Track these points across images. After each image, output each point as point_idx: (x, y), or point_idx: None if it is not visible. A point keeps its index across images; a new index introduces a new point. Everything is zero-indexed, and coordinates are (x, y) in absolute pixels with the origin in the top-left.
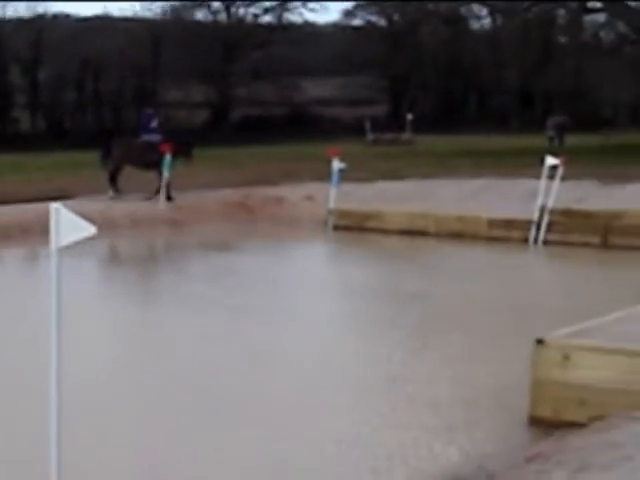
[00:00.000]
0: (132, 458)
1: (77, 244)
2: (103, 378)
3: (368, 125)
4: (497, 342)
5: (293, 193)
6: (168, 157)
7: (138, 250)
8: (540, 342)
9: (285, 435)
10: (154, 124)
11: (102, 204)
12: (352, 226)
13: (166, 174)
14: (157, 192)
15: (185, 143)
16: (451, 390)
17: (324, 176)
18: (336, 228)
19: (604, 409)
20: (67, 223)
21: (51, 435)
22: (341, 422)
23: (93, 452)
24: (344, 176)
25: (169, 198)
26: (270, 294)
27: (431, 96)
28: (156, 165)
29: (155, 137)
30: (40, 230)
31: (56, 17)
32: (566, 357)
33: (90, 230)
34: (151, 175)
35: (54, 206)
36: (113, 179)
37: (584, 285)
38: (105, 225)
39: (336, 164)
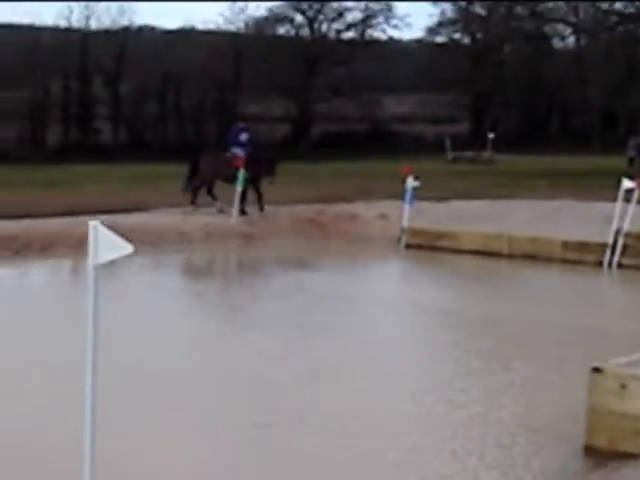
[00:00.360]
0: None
1: (155, 255)
2: (161, 395)
3: (448, 143)
4: (562, 368)
5: (367, 210)
6: (242, 172)
7: (210, 265)
8: (597, 370)
9: (332, 464)
10: (244, 138)
11: (176, 217)
12: (425, 245)
13: (239, 188)
14: (256, 203)
15: (268, 160)
16: (510, 418)
17: (399, 194)
18: (408, 247)
19: None
20: (105, 241)
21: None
22: (396, 446)
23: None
24: (419, 194)
25: (243, 212)
26: (340, 314)
27: (513, 114)
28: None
29: (244, 151)
30: None
31: (141, 29)
32: (623, 386)
33: (127, 249)
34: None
35: (92, 224)
36: (210, 192)
37: None
38: (179, 238)
39: (410, 182)
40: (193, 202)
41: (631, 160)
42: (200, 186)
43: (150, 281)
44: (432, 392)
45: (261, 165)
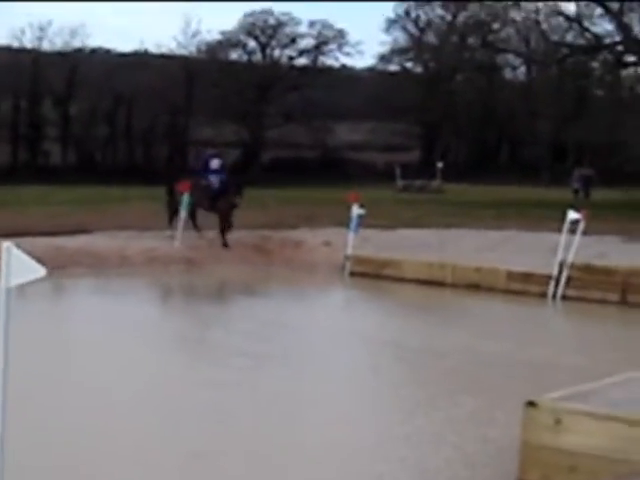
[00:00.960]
0: None
1: (95, 279)
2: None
3: (398, 171)
4: (507, 402)
5: (312, 237)
6: (186, 197)
7: (151, 290)
8: (531, 404)
9: None
10: (215, 165)
11: (119, 240)
12: (369, 273)
13: (183, 213)
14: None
15: (236, 185)
16: (448, 453)
17: (345, 221)
18: (353, 274)
19: (595, 477)
20: (18, 263)
21: None
22: None
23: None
24: (367, 222)
25: (196, 229)
26: (284, 343)
27: (464, 144)
28: (214, 211)
29: (215, 182)
30: (50, 266)
31: (94, 52)
32: (558, 421)
33: (40, 272)
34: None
35: (5, 245)
36: (192, 217)
37: (598, 345)
38: (120, 262)
39: (355, 210)
40: (196, 228)
41: (576, 192)
42: (177, 211)
43: (88, 306)
44: (376, 426)
45: (234, 193)
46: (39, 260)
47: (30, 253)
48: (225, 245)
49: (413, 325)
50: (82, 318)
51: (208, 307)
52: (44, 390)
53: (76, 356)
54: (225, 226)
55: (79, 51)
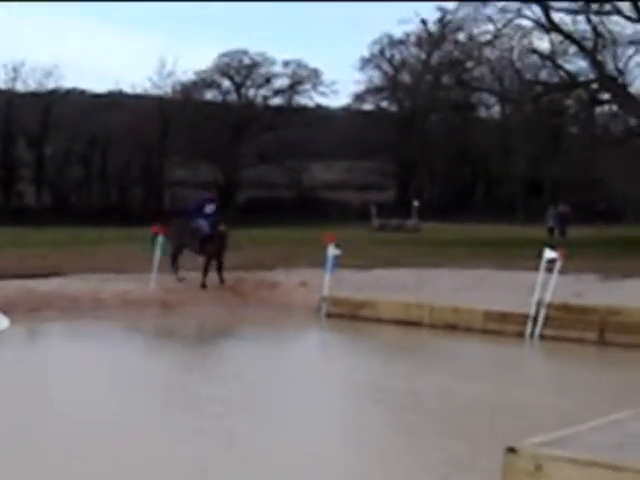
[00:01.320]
0: None
1: (68, 323)
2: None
3: (374, 210)
4: (486, 448)
5: (288, 278)
6: (160, 238)
7: (125, 334)
8: (511, 450)
9: None
10: (209, 209)
11: (93, 283)
12: (346, 314)
13: (158, 255)
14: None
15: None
16: None
17: (321, 262)
18: (329, 316)
19: None
20: None
21: None
22: None
23: None
24: (343, 262)
25: (180, 279)
26: (260, 388)
27: (439, 183)
28: (203, 253)
29: (205, 226)
30: (24, 309)
31: (69, 92)
32: (538, 468)
33: (3, 323)
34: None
35: None
36: (173, 260)
37: (577, 386)
38: (94, 305)
39: (331, 250)
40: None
41: (551, 230)
42: (173, 257)
43: (61, 351)
44: (355, 473)
45: (214, 245)
46: (11, 303)
47: (2, 296)
48: (203, 286)
49: (392, 367)
50: (55, 364)
51: (185, 351)
52: (20, 437)
53: (49, 403)
54: (207, 269)
55: (53, 92)
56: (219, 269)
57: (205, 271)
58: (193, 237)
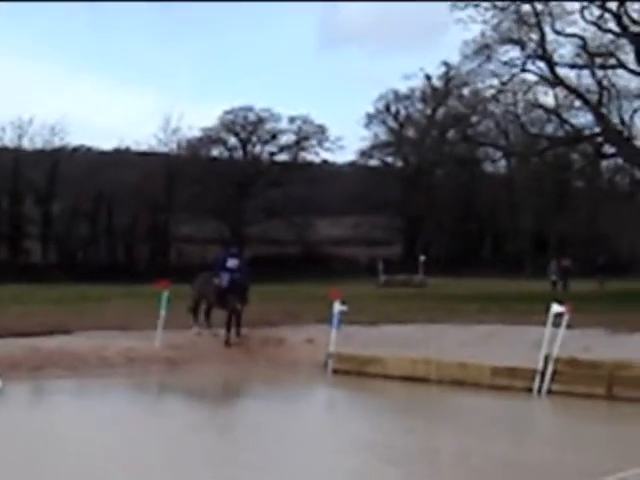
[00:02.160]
0: None
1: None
2: None
3: (381, 266)
4: None
5: (294, 335)
6: (165, 294)
7: (130, 392)
8: None
9: None
10: (232, 264)
11: (98, 340)
12: (352, 370)
13: (162, 312)
14: (228, 329)
15: (241, 288)
16: None
17: (327, 318)
18: (336, 372)
19: None
20: None
21: None
22: None
23: None
24: (350, 318)
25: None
26: (270, 451)
27: (446, 238)
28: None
29: (225, 281)
30: (29, 367)
31: (76, 150)
32: None
33: None
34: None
35: None
36: (194, 311)
37: (587, 442)
38: (99, 363)
39: (337, 306)
40: (195, 322)
41: (554, 284)
42: (194, 307)
43: (64, 410)
44: None
45: (243, 292)
46: (16, 361)
47: (7, 354)
48: (227, 343)
49: (402, 425)
50: (59, 423)
51: (191, 410)
52: None
53: (57, 463)
54: (229, 325)
55: (60, 149)
56: (237, 323)
57: (228, 326)
58: (213, 290)
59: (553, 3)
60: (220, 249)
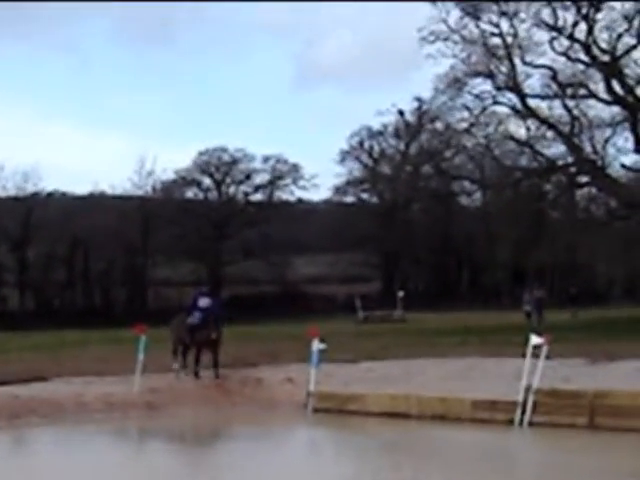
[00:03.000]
0: None
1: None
2: None
3: (359, 302)
4: None
5: (273, 374)
6: (142, 339)
7: (110, 439)
8: None
9: None
10: (203, 303)
11: (76, 387)
12: (333, 409)
13: (140, 356)
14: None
15: (214, 320)
16: None
17: (306, 357)
18: (316, 411)
19: None
20: None
21: None
22: None
23: None
24: (329, 356)
25: (196, 374)
26: None
27: (424, 272)
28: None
29: (195, 318)
30: (6, 415)
31: (51, 195)
32: None
33: None
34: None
35: None
36: (174, 353)
37: (572, 474)
38: (77, 409)
39: (316, 345)
40: (182, 366)
41: (528, 315)
42: (174, 350)
43: (43, 458)
44: None
45: (215, 322)
46: None
47: None
48: (196, 374)
49: (387, 462)
50: (41, 473)
51: (171, 456)
52: None
53: None
54: (198, 357)
55: (34, 195)
56: (214, 364)
57: (196, 361)
58: (186, 329)
59: (522, 35)
60: (195, 290)
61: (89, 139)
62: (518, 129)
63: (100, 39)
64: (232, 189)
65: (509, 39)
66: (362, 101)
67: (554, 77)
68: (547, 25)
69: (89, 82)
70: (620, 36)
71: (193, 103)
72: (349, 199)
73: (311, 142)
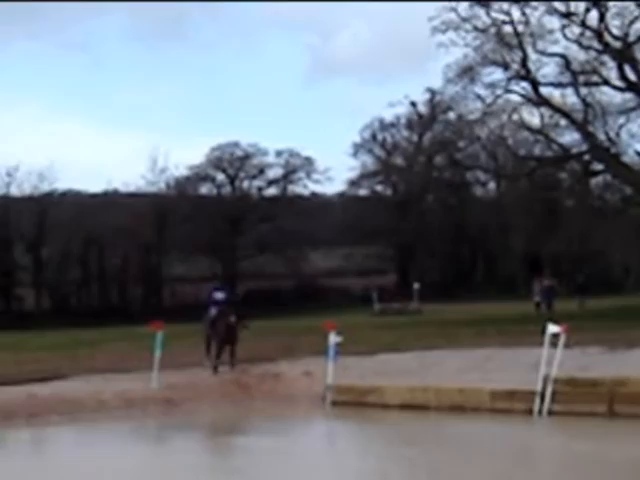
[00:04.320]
0: None
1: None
2: None
3: (375, 295)
4: None
5: (291, 369)
6: (160, 335)
7: (128, 435)
8: None
9: None
10: (219, 297)
11: (94, 384)
12: (351, 401)
13: (158, 353)
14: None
15: (237, 316)
16: None
17: (323, 350)
18: (335, 404)
19: None
20: None
21: None
22: None
23: None
24: (346, 349)
25: (215, 368)
26: None
27: (439, 263)
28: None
29: (215, 309)
30: (25, 414)
31: (65, 194)
32: None
33: None
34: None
35: None
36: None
37: (590, 465)
38: (96, 407)
39: (333, 338)
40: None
41: (538, 305)
42: (207, 346)
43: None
44: None
45: (236, 310)
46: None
47: (3, 402)
48: (215, 369)
49: (399, 456)
50: (61, 473)
51: (193, 452)
52: None
53: None
54: (220, 351)
55: (49, 194)
56: (231, 354)
57: (217, 354)
58: (207, 324)
59: (534, 23)
60: (209, 286)
61: (101, 137)
62: (531, 118)
63: (111, 36)
64: (246, 184)
65: (520, 27)
66: (377, 93)
67: (567, 65)
68: (559, 12)
69: (100, 80)
70: (632, 22)
71: (205, 99)
72: (363, 192)
73: (324, 135)
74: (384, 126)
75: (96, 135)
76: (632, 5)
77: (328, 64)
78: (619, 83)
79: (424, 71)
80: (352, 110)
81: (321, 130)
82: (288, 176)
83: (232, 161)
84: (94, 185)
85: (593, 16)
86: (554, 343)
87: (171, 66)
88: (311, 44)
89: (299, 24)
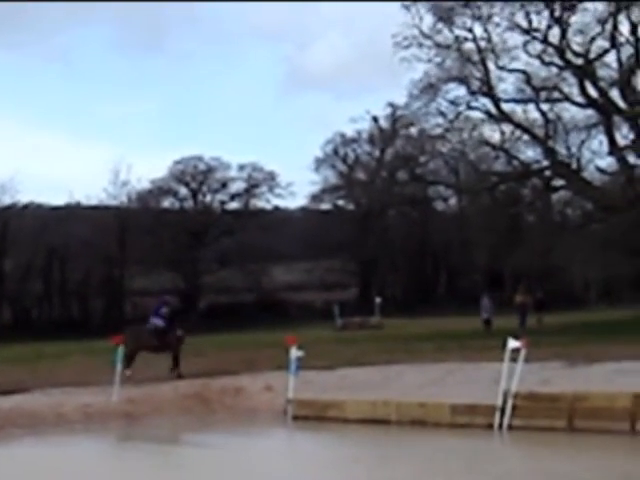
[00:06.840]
0: None
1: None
2: None
3: (337, 309)
4: None
5: (252, 383)
6: (120, 349)
7: (87, 449)
8: None
9: None
10: (163, 311)
11: (55, 398)
12: (312, 416)
13: (118, 367)
14: (172, 370)
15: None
16: None
17: (284, 364)
18: (296, 418)
19: None
20: None
21: None
22: None
23: None
24: (308, 363)
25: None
26: None
27: (401, 278)
28: (165, 348)
29: (159, 322)
30: None
31: (27, 207)
32: None
33: None
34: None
35: None
36: (129, 360)
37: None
38: (56, 420)
39: (294, 352)
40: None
41: (487, 322)
42: (129, 357)
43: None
44: None
45: (174, 336)
46: None
47: None
48: (179, 376)
49: (357, 471)
50: None
51: (155, 466)
52: None
53: None
54: (176, 359)
55: (10, 207)
56: (174, 358)
57: (175, 361)
58: (150, 336)
59: (495, 39)
60: (173, 299)
61: (67, 149)
62: (493, 134)
63: (88, 47)
64: (208, 198)
65: (482, 43)
66: (349, 108)
67: (528, 81)
68: (521, 28)
69: (76, 91)
70: (593, 39)
71: (175, 112)
72: (325, 206)
73: (289, 149)
74: (346, 141)
75: (62, 147)
76: (593, 22)
77: (303, 76)
78: (580, 99)
79: (396, 85)
80: (322, 124)
81: (287, 144)
82: (250, 190)
83: (195, 175)
84: (56, 198)
85: (555, 33)
86: (514, 358)
87: (148, 78)
88: (286, 57)
89: (277, 36)
